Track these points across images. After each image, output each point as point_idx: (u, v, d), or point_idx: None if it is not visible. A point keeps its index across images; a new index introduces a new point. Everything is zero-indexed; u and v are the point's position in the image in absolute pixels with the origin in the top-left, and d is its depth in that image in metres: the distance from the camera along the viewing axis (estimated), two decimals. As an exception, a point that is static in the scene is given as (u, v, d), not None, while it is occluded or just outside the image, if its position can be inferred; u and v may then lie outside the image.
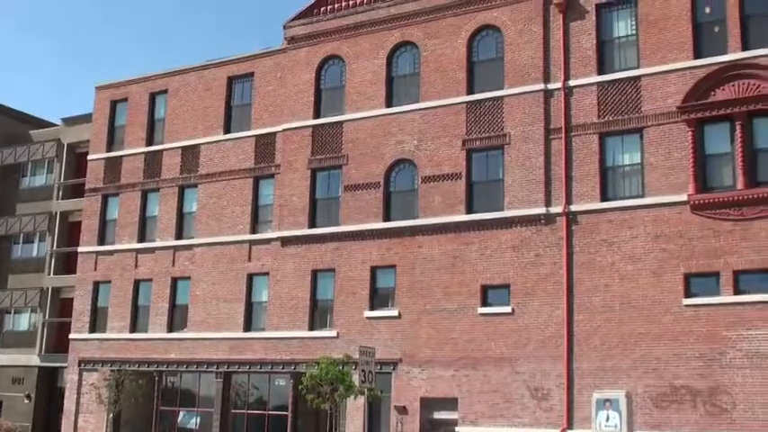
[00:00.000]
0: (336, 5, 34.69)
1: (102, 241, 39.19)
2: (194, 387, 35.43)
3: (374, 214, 31.87)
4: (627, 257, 27.04)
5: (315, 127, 33.98)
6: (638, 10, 28.54)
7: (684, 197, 26.39)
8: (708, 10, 27.51)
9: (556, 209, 28.47)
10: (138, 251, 37.68)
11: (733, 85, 26.28)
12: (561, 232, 28.23)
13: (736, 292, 25.27)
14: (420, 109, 31.74)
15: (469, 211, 30.12)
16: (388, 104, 32.62)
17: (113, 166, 39.57)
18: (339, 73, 34.23)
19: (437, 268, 30.23)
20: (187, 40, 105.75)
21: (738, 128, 25.96)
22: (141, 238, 37.89)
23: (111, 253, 38.55)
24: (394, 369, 30.22)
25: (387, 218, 31.72)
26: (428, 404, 29.60)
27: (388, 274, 31.34)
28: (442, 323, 29.73)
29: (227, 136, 36.40)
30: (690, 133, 26.69)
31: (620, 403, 25.81)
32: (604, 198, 27.95)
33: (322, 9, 35.02)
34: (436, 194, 30.75)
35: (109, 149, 40.13)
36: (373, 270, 31.62)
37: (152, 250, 37.22)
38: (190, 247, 36.24)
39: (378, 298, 31.55)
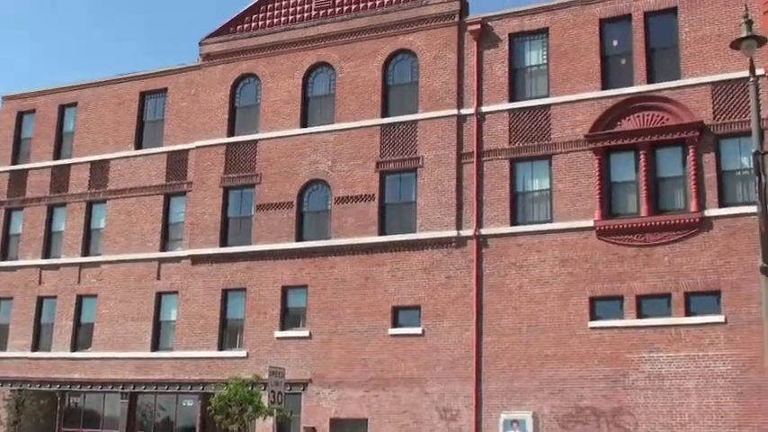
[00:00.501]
0: (253, 24, 34.66)
1: (4, 256, 38.00)
2: (99, 408, 34.53)
3: (287, 234, 31.79)
4: (535, 281, 27.62)
5: (229, 145, 33.77)
6: (549, 41, 29.37)
7: (591, 223, 27.13)
8: (615, 43, 28.52)
9: (467, 232, 28.89)
10: (42, 267, 36.65)
11: (638, 116, 27.26)
12: (472, 255, 28.66)
13: (639, 315, 26.08)
14: (335, 130, 31.89)
15: (382, 232, 30.32)
16: (303, 125, 32.67)
17: (18, 179, 38.48)
18: (254, 91, 34.15)
19: (349, 289, 30.30)
20: (100, 53, 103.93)
21: (643, 157, 26.88)
22: (46, 254, 36.88)
23: (13, 269, 37.38)
24: (304, 390, 30.10)
25: (299, 238, 31.67)
26: (338, 425, 29.55)
27: (300, 295, 31.26)
28: (353, 344, 29.77)
29: (139, 152, 35.86)
30: (597, 161, 27.49)
31: (527, 424, 26.24)
32: (514, 222, 28.51)
33: (238, 27, 34.93)
34: (349, 215, 30.86)
35: (14, 162, 39.03)
36: (285, 290, 31.50)
37: (57, 267, 36.26)
38: (97, 264, 35.44)
39: (289, 318, 31.41)
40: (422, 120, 30.51)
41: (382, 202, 30.65)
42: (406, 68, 31.58)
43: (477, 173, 29.20)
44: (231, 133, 34.00)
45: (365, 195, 30.77)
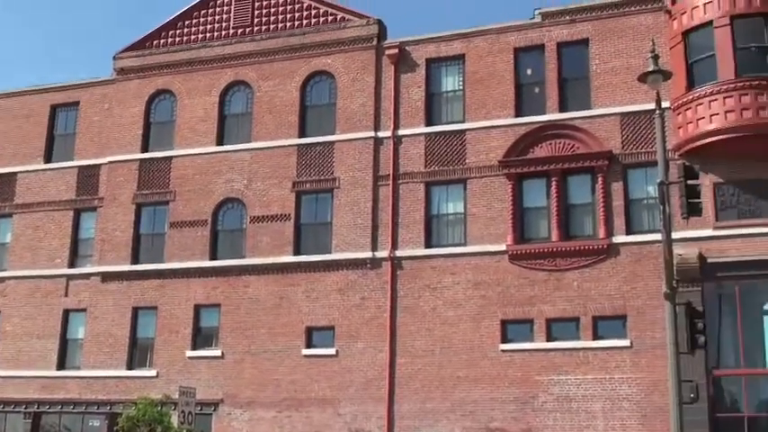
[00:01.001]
0: (170, 40, 34.34)
1: None
2: (0, 428, 33.43)
3: (200, 252, 31.46)
4: (448, 303, 27.98)
5: (142, 161, 33.28)
6: (465, 67, 29.91)
7: (503, 247, 27.66)
8: (529, 72, 29.27)
9: (382, 253, 29.09)
10: (-58, 282, 35.32)
11: (550, 144, 28.00)
12: (386, 276, 28.85)
13: (549, 338, 26.69)
14: (251, 149, 31.78)
15: (297, 252, 30.29)
16: (219, 142, 32.46)
17: None
18: (170, 108, 33.78)
19: (263, 309, 30.15)
20: (9, 65, 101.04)
21: (554, 184, 27.59)
22: (-53, 269, 35.56)
23: None
24: (215, 410, 29.75)
25: (213, 256, 31.38)
26: (249, 446, 29.30)
27: (213, 314, 30.95)
28: (266, 364, 29.60)
29: (48, 165, 35.01)
30: (510, 187, 28.09)
31: (438, 445, 26.50)
32: (429, 245, 28.85)
33: (155, 42, 34.55)
34: (264, 235, 30.74)
35: None
36: (197, 309, 31.14)
37: (-42, 282, 35.03)
38: (1, 279, 34.37)
39: (201, 337, 31.04)
40: (339, 141, 30.67)
41: (298, 222, 30.63)
42: (324, 90, 31.74)
43: (393, 195, 29.46)
44: (145, 149, 33.53)
45: (281, 215, 30.70)
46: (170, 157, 32.92)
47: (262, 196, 31.15)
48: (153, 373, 30.89)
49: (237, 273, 30.76)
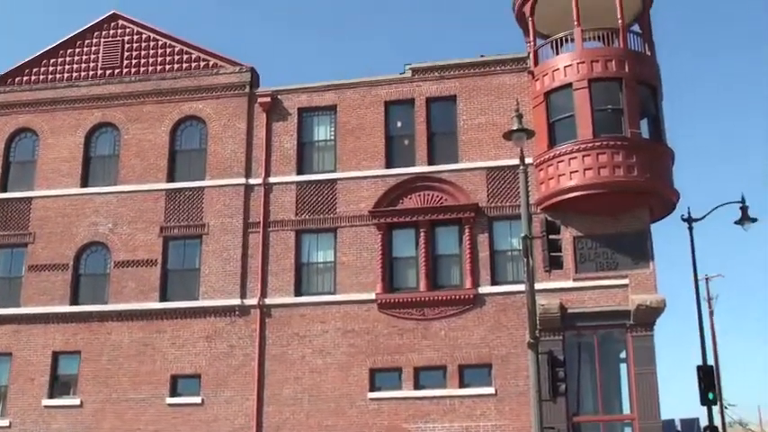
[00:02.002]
0: (34, 78, 33.36)
1: None
2: None
3: (60, 297, 30.40)
4: (317, 351, 28.05)
5: (0, 201, 32.03)
6: (337, 117, 30.38)
7: (372, 296, 28.04)
8: (399, 124, 30.03)
9: (251, 301, 28.93)
10: None
11: (419, 195, 28.73)
12: (255, 324, 28.69)
13: (416, 386, 27.13)
14: (117, 192, 31.12)
15: (163, 298, 29.74)
16: (84, 184, 31.63)
17: None
18: (31, 147, 32.70)
19: (126, 356, 29.35)
20: None
21: (423, 234, 28.26)
22: None
23: None
24: (72, 462, 28.65)
25: (74, 301, 30.39)
26: (108, 499, 28.29)
27: (72, 361, 29.87)
28: (128, 413, 28.76)
29: None
30: (380, 236, 28.58)
31: (305, 494, 26.35)
32: (298, 293, 28.91)
33: (17, 79, 33.47)
34: (129, 280, 30.06)
35: None
36: (56, 356, 29.99)
37: None
38: None
39: (59, 385, 29.87)
40: (209, 187, 30.45)
41: (165, 267, 30.13)
42: (194, 135, 31.50)
43: (263, 242, 29.42)
44: (3, 189, 32.28)
45: (147, 260, 30.13)
46: (30, 198, 31.80)
47: (127, 241, 30.49)
48: (5, 423, 29.47)
49: (100, 319, 29.87)
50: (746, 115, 73.24)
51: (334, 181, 29.65)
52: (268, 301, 28.84)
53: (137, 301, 29.76)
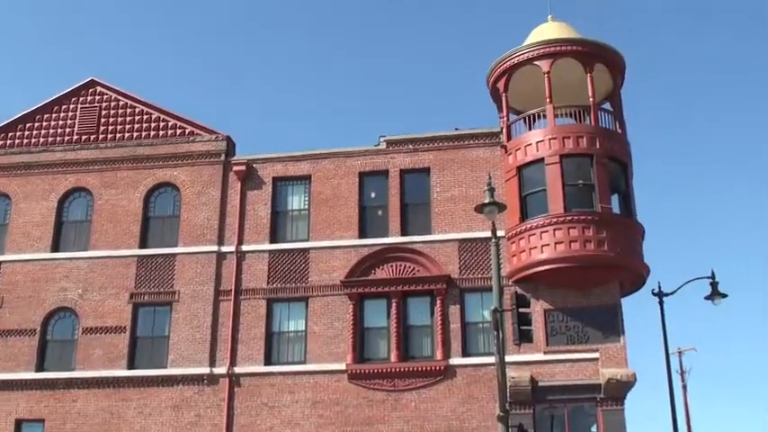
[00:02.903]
0: (9, 142, 33.49)
1: None
2: None
3: (26, 363, 30.02)
4: (286, 422, 27.81)
5: (-31, 265, 31.84)
6: (311, 187, 30.70)
7: (343, 366, 27.96)
8: (373, 195, 30.39)
9: (220, 370, 28.74)
10: None
11: (392, 266, 28.93)
12: (223, 393, 28.46)
13: (392, 457, 26.88)
14: (88, 257, 31.05)
15: (131, 366, 29.46)
16: (55, 249, 31.56)
17: None
18: (3, 210, 32.66)
19: (90, 425, 28.91)
20: None
21: (394, 305, 28.38)
22: None
23: None
24: None
25: (40, 368, 30.02)
26: None
27: (36, 429, 29.29)
28: (91, 484, 28.25)
29: None
30: (351, 306, 28.64)
31: None
32: (268, 362, 28.76)
33: (-8, 144, 33.60)
34: (97, 347, 29.77)
35: None
36: (19, 423, 29.44)
37: None
38: None
39: (20, 454, 29.35)
40: (181, 254, 30.49)
41: (134, 334, 29.92)
42: (168, 201, 31.64)
43: (233, 310, 29.35)
44: (-27, 252, 32.13)
45: (116, 327, 29.94)
46: (-1, 262, 31.67)
47: (97, 307, 30.31)
48: (-36, 493, 28.87)
49: (65, 386, 29.49)
50: (718, 191, 74.55)
51: (306, 250, 29.77)
52: (237, 369, 28.66)
53: (104, 369, 29.46)
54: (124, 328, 29.92)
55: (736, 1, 75.69)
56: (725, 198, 74.26)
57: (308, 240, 30.02)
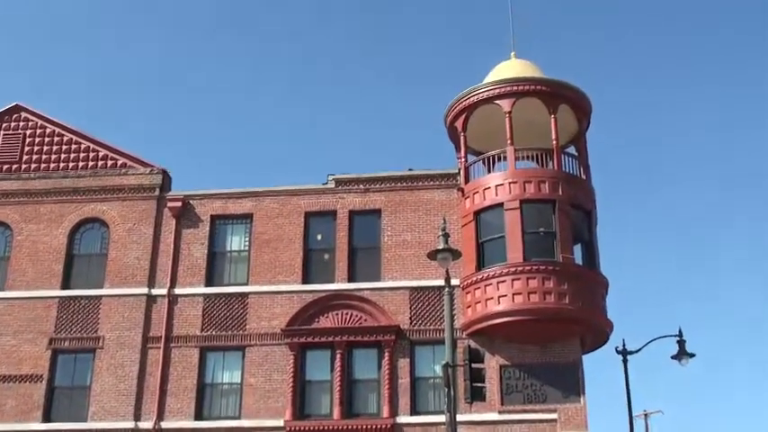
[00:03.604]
0: None
1: None
2: None
3: (-71, 414, 29.50)
4: (215, 482, 27.62)
5: None
6: (252, 227, 30.78)
7: (281, 422, 27.87)
8: (319, 237, 30.56)
9: (146, 424, 28.47)
10: None
11: (337, 314, 29.03)
12: (149, 450, 28.21)
13: None
14: (5, 298, 30.70)
15: (47, 419, 29.07)
16: (-35, 289, 31.09)
17: None
18: None
19: (-1, 483, 28.47)
20: None
21: (339, 357, 28.41)
22: None
23: None
24: None
25: (-55, 419, 29.51)
26: None
27: (-63, 487, 28.82)
28: None
29: None
30: (292, 357, 28.63)
31: None
32: (199, 416, 28.58)
33: None
34: (10, 397, 29.31)
35: None
36: None
37: None
38: None
39: None
40: (107, 296, 30.31)
41: (51, 384, 29.57)
42: (95, 238, 31.54)
43: (163, 359, 29.15)
44: None
45: (32, 375, 29.56)
46: None
47: (11, 353, 29.88)
48: None
49: (-28, 440, 29.04)
50: (689, 244, 75.89)
51: (245, 295, 29.78)
52: (165, 424, 28.41)
53: (16, 422, 29.00)
54: (41, 376, 29.54)
55: (708, 43, 77.94)
56: (697, 251, 75.63)
57: (247, 284, 30.01)
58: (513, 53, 32.42)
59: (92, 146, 32.79)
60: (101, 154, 32.59)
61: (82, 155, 32.68)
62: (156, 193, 31.55)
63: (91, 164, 32.49)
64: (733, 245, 74.42)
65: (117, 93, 79.95)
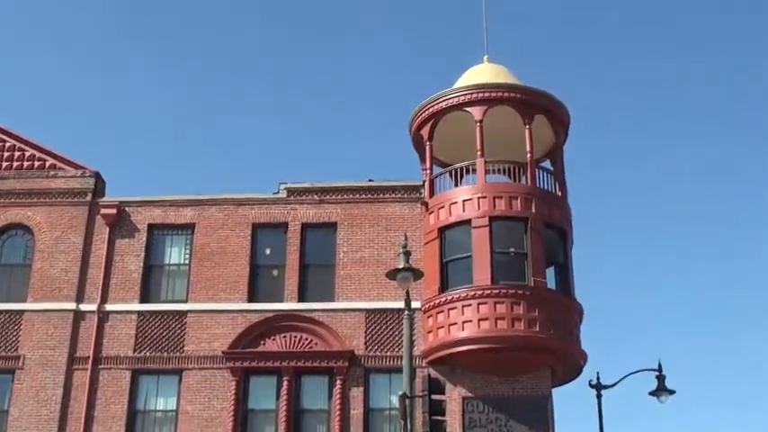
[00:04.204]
0: None
1: None
2: None
3: None
4: None
5: None
6: (194, 238, 30.35)
7: (222, 455, 27.30)
8: (268, 252, 30.21)
9: (69, 454, 27.82)
10: None
11: (285, 337, 28.67)
12: (70, 484, 27.51)
13: None
14: None
15: (-45, 448, 28.28)
16: None
17: None
18: None
19: None
20: None
21: (286, 384, 28.01)
22: None
23: None
24: None
25: None
26: None
27: None
28: None
29: None
30: (234, 383, 28.13)
31: None
32: (129, 446, 27.93)
33: None
34: None
35: None
36: None
37: None
38: None
39: None
40: (29, 311, 29.63)
41: (-37, 408, 28.74)
42: (18, 247, 30.91)
43: (90, 382, 28.53)
44: None
45: (-59, 398, 28.74)
46: None
47: None
48: None
49: None
50: (672, 275, 75.81)
51: (184, 313, 29.29)
52: (90, 455, 27.79)
53: None
54: (-49, 399, 28.73)
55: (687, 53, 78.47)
56: (680, 279, 75.51)
57: (186, 301, 29.56)
58: (485, 57, 32.27)
59: (18, 144, 32.07)
60: (27, 154, 31.90)
61: (6, 154, 31.93)
62: (88, 198, 30.94)
63: (16, 164, 31.76)
64: (728, 277, 74.14)
65: (46, 88, 78.72)
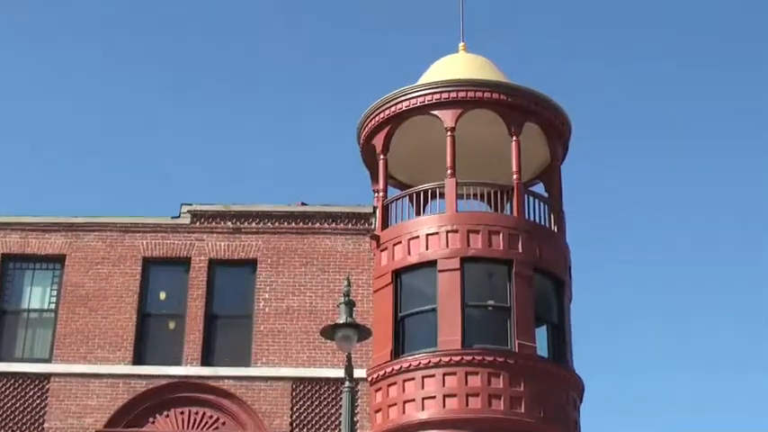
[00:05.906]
0: None
1: None
2: None
3: None
4: None
5: None
6: (64, 275, 29.40)
7: None
8: (163, 296, 29.67)
9: None
10: None
11: (182, 413, 27.77)
12: None
13: None
14: None
15: None
16: None
17: None
18: None
19: None
20: None
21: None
22: None
23: None
24: None
25: None
26: None
27: None
28: None
29: None
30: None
31: None
32: None
33: None
34: None
35: None
36: None
37: None
38: None
39: None
40: None
41: None
42: None
43: None
44: None
45: None
46: None
47: None
48: None
49: None
50: (685, 338, 76.06)
51: (46, 377, 28.25)
52: None
53: None
54: None
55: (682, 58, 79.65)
56: (683, 367, 75.65)
57: (49, 361, 28.59)
58: (461, 44, 31.71)
59: None
60: None
61: None
62: None
63: None
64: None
65: None
